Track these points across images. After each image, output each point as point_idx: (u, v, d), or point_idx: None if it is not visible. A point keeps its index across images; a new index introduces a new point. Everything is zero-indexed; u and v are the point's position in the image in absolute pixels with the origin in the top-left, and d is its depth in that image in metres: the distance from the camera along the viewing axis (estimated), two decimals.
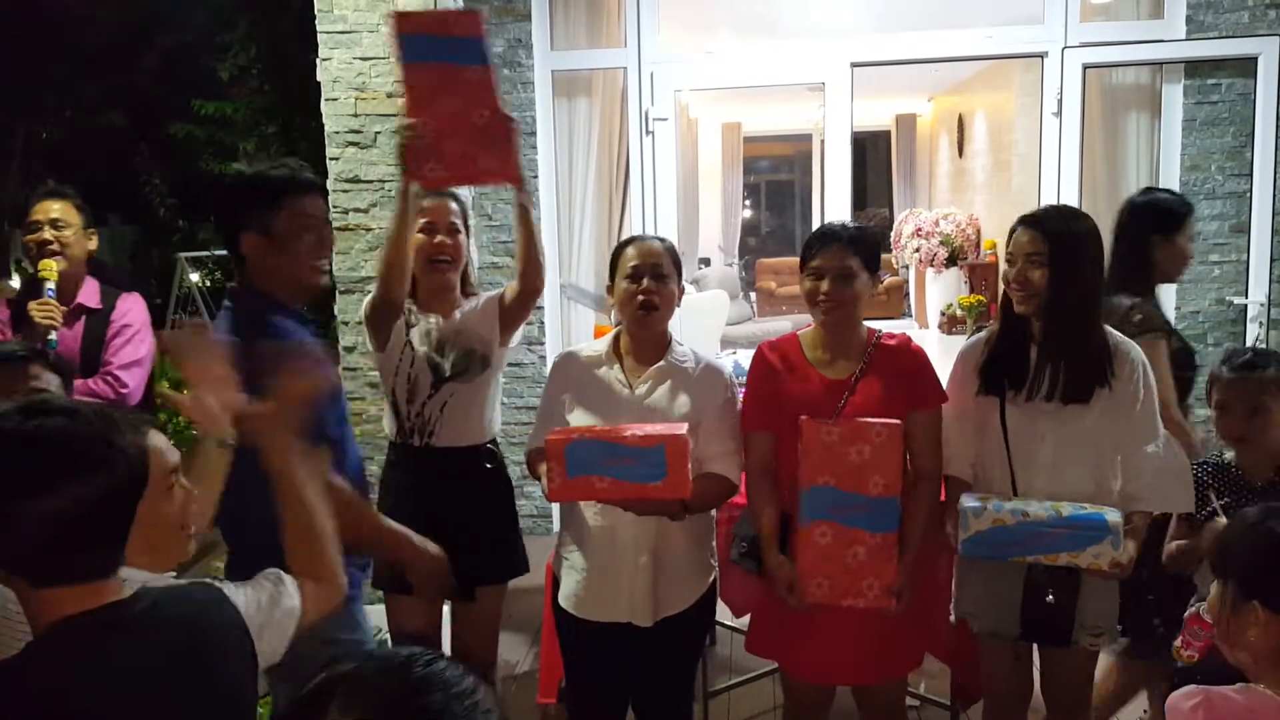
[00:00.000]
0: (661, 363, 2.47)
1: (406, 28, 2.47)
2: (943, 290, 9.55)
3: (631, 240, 2.52)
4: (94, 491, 1.27)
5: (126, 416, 1.47)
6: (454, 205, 2.68)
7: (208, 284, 11.26)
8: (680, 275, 2.50)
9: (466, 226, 2.73)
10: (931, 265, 9.41)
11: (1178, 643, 1.92)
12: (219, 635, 1.40)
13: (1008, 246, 2.46)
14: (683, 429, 2.25)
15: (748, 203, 14.24)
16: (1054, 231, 2.39)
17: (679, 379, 2.47)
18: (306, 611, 1.58)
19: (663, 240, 2.54)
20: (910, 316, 10.67)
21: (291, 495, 1.67)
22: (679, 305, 2.51)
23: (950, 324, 9.17)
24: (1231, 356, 2.55)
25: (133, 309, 3.21)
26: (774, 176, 15.41)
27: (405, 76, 2.48)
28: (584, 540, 2.49)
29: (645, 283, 2.42)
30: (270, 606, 1.51)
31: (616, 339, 2.53)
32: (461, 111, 2.46)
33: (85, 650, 1.29)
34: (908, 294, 10.93)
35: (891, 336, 2.52)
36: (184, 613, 1.38)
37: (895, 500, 2.32)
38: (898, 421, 2.33)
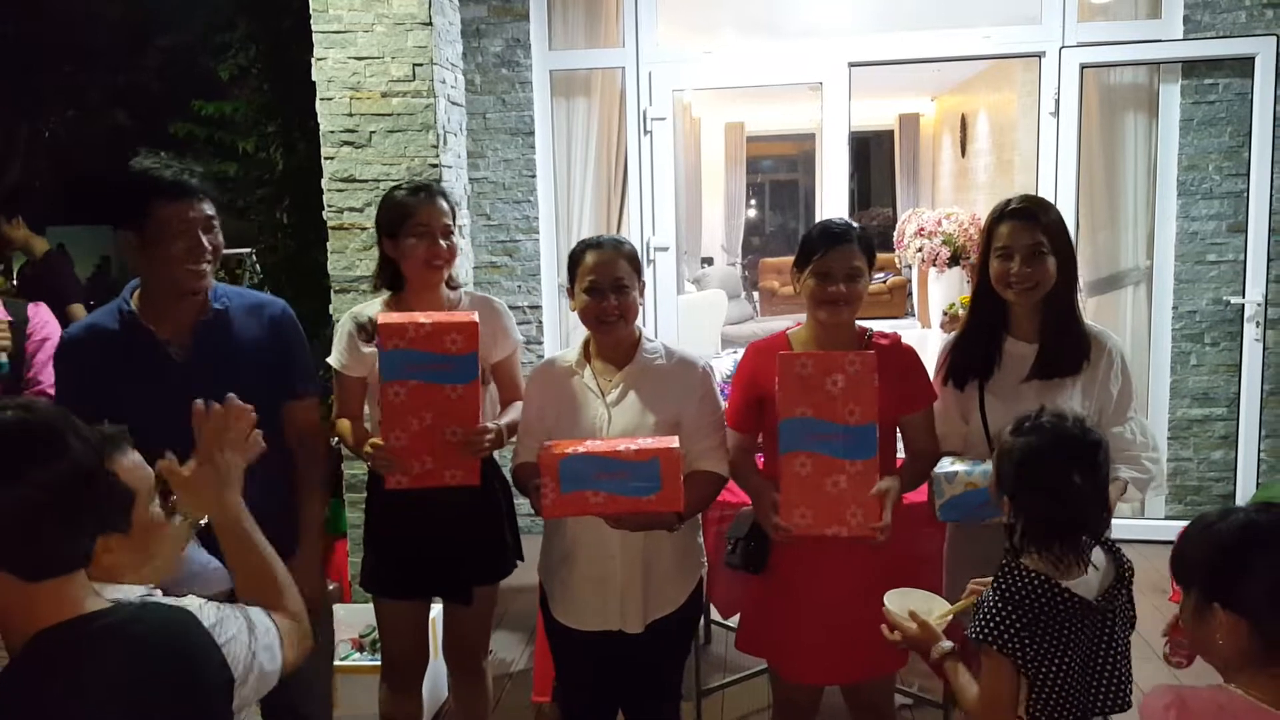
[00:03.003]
0: (631, 364, 2.46)
1: (390, 343, 2.36)
2: (945, 290, 9.50)
3: (588, 246, 2.46)
4: (57, 478, 1.29)
5: (104, 431, 1.48)
6: (444, 205, 2.65)
7: None
8: (641, 274, 2.47)
9: (457, 223, 2.71)
10: (934, 265, 9.39)
11: (1166, 650, 1.91)
12: (196, 652, 1.39)
13: (995, 241, 2.45)
14: (675, 441, 2.25)
15: (752, 202, 14.24)
16: (1048, 222, 2.44)
17: (652, 378, 2.45)
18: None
19: (620, 244, 2.47)
20: (913, 316, 10.66)
21: (242, 548, 1.64)
22: (643, 304, 2.49)
23: (953, 323, 9.12)
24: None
25: (49, 320, 3.02)
26: (777, 176, 15.41)
27: (383, 394, 2.40)
28: (572, 551, 2.49)
29: (605, 301, 2.39)
30: (247, 633, 1.49)
31: (587, 344, 2.52)
32: (434, 427, 2.40)
33: (61, 661, 1.29)
34: (910, 293, 10.92)
35: (884, 335, 2.52)
36: (161, 626, 1.38)
37: (872, 426, 2.29)
38: (871, 352, 2.32)
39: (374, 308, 2.69)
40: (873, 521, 2.31)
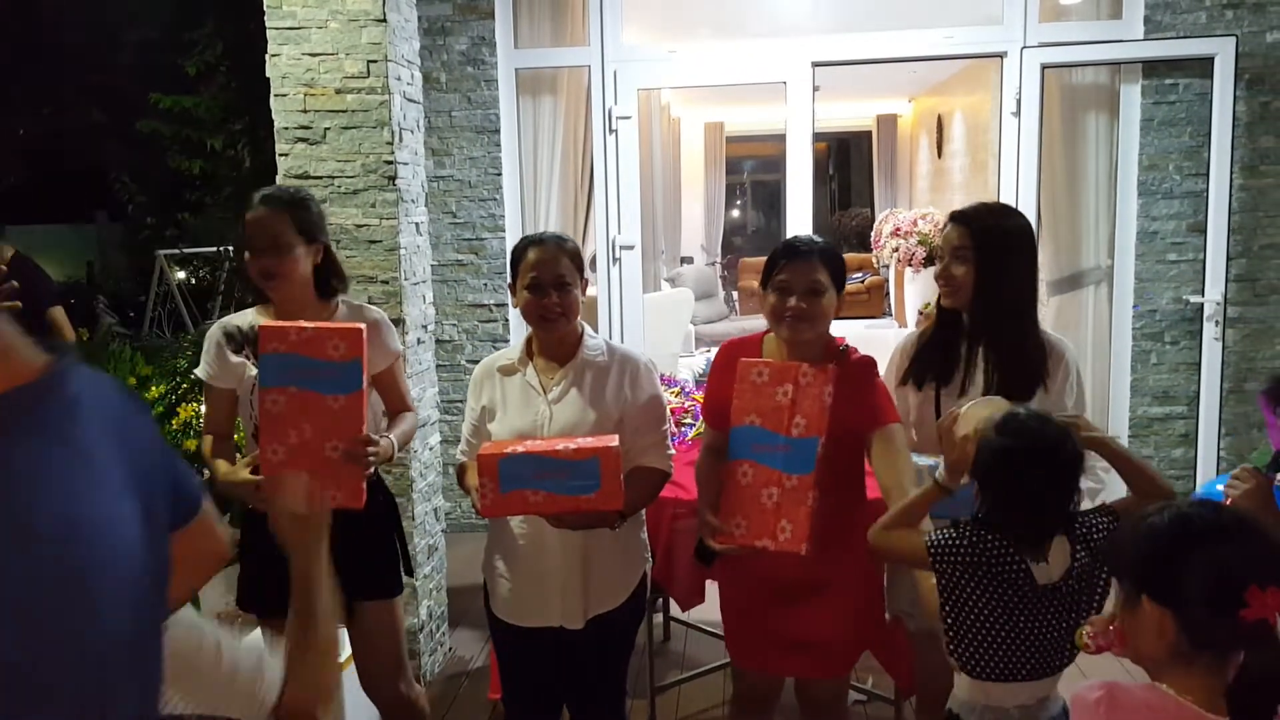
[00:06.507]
0: (573, 361, 2.46)
1: (270, 347, 2.23)
2: (920, 289, 9.56)
3: (530, 243, 2.45)
4: None
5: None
6: (287, 218, 2.52)
7: (193, 282, 11.25)
8: (583, 272, 2.46)
9: (308, 233, 2.55)
10: (910, 264, 9.44)
11: (1086, 629, 1.92)
12: None
13: (940, 242, 2.50)
14: (614, 440, 2.24)
15: (738, 203, 14.27)
16: (979, 227, 2.43)
17: (593, 375, 2.45)
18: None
19: (562, 241, 2.46)
20: (890, 315, 10.71)
21: (308, 603, 1.49)
22: (584, 300, 2.48)
23: (927, 322, 9.18)
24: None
25: None
26: (757, 176, 15.43)
27: (260, 401, 2.26)
28: (512, 547, 2.48)
29: (548, 298, 2.38)
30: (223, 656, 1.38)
31: (530, 342, 2.51)
32: (313, 441, 2.24)
33: None
34: (888, 293, 10.97)
35: (857, 353, 2.44)
36: None
37: (815, 442, 2.25)
38: (831, 366, 2.28)
39: (245, 318, 2.65)
40: (799, 543, 2.24)
